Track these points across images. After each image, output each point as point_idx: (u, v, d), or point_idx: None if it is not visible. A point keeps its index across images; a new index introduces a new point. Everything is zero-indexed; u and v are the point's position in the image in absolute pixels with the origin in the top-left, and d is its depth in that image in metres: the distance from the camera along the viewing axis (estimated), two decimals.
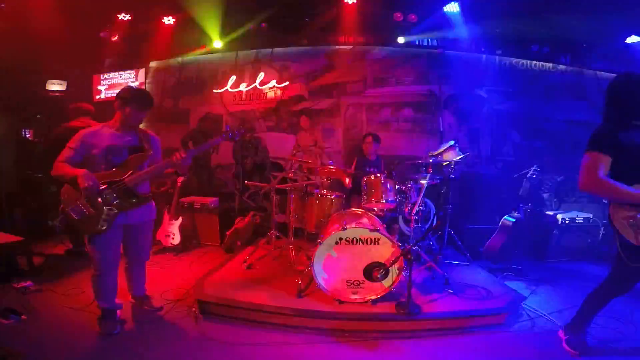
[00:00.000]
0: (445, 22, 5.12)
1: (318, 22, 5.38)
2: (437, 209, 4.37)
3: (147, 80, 6.16)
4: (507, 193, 4.64)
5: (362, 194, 3.47)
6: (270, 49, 5.84)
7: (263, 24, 5.45)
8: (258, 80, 5.87)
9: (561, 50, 5.73)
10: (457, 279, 3.53)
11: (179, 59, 6.07)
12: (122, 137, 2.60)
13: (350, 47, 5.71)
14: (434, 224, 4.17)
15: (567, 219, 4.50)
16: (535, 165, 4.03)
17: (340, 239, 2.93)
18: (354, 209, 3.37)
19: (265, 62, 5.88)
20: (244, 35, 5.60)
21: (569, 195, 5.31)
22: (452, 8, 4.92)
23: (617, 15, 4.80)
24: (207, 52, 5.89)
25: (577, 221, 4.52)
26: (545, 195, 5.40)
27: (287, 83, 5.81)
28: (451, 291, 3.24)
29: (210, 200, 4.96)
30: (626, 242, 2.18)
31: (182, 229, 4.60)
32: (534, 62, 5.88)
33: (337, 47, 5.73)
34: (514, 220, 4.03)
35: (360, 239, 2.91)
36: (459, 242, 4.31)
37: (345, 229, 2.89)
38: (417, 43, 5.61)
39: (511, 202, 4.31)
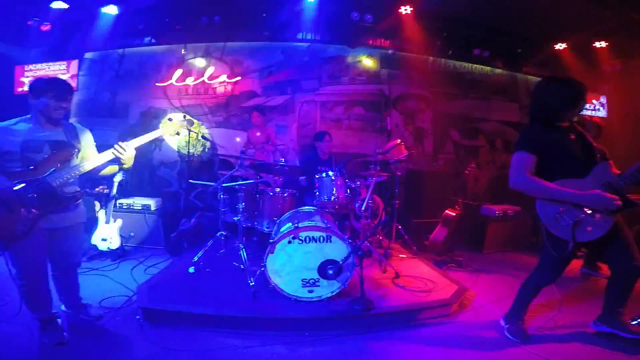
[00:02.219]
0: (399, 23, 5.27)
1: (276, 18, 5.27)
2: (385, 205, 4.50)
3: (80, 73, 5.63)
4: (449, 188, 4.91)
5: (314, 191, 3.46)
6: (223, 43, 5.61)
7: (217, 17, 5.21)
8: (207, 75, 5.62)
9: (499, 55, 6.18)
10: (406, 273, 3.65)
11: (120, 50, 5.61)
12: (41, 131, 2.31)
13: (308, 44, 5.68)
14: (383, 219, 4.29)
15: (500, 211, 4.86)
16: (472, 163, 4.31)
17: (293, 238, 2.89)
18: (306, 207, 3.35)
19: (217, 56, 5.66)
20: (194, 27, 5.32)
21: (501, 189, 5.78)
22: (406, 10, 5.07)
23: (547, 23, 5.28)
24: (152, 44, 5.50)
25: (508, 214, 4.89)
26: (480, 190, 5.82)
27: (239, 78, 5.64)
28: (401, 285, 3.34)
29: (153, 201, 4.64)
30: (550, 233, 2.37)
31: (121, 232, 4.24)
32: (475, 65, 6.29)
33: (294, 43, 5.68)
34: (454, 214, 4.28)
35: (313, 237, 2.90)
36: (406, 237, 4.47)
37: (298, 227, 2.87)
38: (371, 43, 5.72)
39: (452, 196, 4.57)
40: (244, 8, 5.17)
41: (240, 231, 3.53)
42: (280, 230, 3.02)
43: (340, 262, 2.86)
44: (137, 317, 2.76)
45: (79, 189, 2.46)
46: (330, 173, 3.36)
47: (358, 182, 3.67)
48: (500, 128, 6.37)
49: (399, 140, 3.99)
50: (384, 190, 4.52)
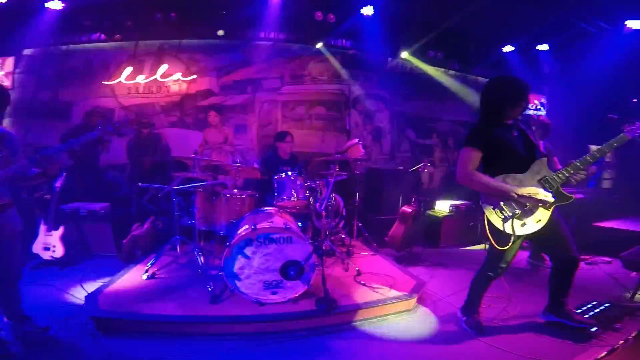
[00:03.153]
0: (360, 24, 5.33)
1: (237, 16, 5.13)
2: (345, 204, 4.54)
3: (17, 70, 5.15)
4: (406, 185, 5.04)
5: (274, 192, 3.41)
6: (179, 41, 5.37)
7: (173, 14, 4.97)
8: (160, 73, 5.35)
9: (453, 56, 6.45)
10: (368, 270, 3.69)
11: (63, 47, 5.19)
12: None
13: (271, 43, 5.59)
14: (342, 218, 4.33)
15: (452, 206, 5.06)
16: (427, 161, 4.47)
17: (252, 240, 2.82)
18: (266, 208, 3.29)
19: (171, 53, 5.42)
20: (148, 24, 5.05)
21: (454, 185, 6.04)
22: (368, 11, 5.12)
23: (496, 27, 5.59)
24: (101, 40, 5.15)
25: (460, 208, 5.11)
26: (435, 187, 6.04)
27: (195, 76, 5.43)
28: (363, 282, 3.37)
29: (100, 206, 4.34)
30: (493, 227, 2.48)
31: (64, 239, 3.92)
32: (429, 67, 6.52)
33: (256, 42, 5.57)
34: (410, 210, 4.41)
35: (272, 238, 2.85)
36: (367, 234, 4.53)
37: (256, 229, 2.80)
38: (333, 43, 5.74)
39: (409, 193, 4.70)
40: (203, 5, 5.00)
41: (196, 235, 3.40)
42: (237, 233, 2.94)
43: (302, 263, 2.84)
44: (89, 326, 2.62)
45: (7, 198, 2.25)
46: (290, 173, 3.32)
47: (317, 182, 3.65)
48: (453, 127, 6.66)
49: (356, 140, 4.04)
50: (344, 189, 4.55)
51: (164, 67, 5.37)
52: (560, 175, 2.41)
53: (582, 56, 5.79)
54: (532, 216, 2.41)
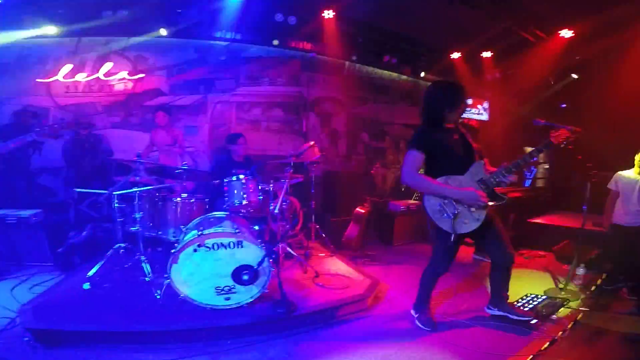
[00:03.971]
0: (321, 27, 5.32)
1: (192, 15, 4.92)
2: (302, 206, 4.52)
3: None
4: (361, 187, 5.13)
5: (225, 196, 3.30)
6: (127, 38, 5.04)
7: (123, 11, 4.66)
8: (103, 71, 5.01)
9: (405, 62, 6.66)
10: (325, 271, 3.72)
11: None
12: None
13: (227, 43, 5.41)
14: (299, 220, 4.31)
15: (404, 206, 5.22)
16: (377, 163, 4.58)
17: (199, 246, 2.72)
18: (217, 213, 3.18)
19: (117, 51, 5.09)
20: (94, 19, 4.70)
21: (406, 187, 6.22)
22: (329, 15, 5.14)
23: (446, 33, 5.86)
24: (39, 36, 4.70)
25: (412, 208, 5.29)
26: (388, 188, 6.21)
27: (142, 75, 5.13)
28: (321, 284, 3.38)
29: (32, 213, 3.94)
30: (435, 226, 2.61)
31: None
32: (384, 71, 6.69)
33: (211, 42, 5.37)
34: (363, 211, 4.49)
35: (221, 243, 2.75)
36: (324, 235, 4.55)
37: (203, 235, 2.71)
38: (293, 45, 5.70)
39: (363, 194, 4.79)
40: (156, 2, 4.74)
41: (141, 242, 3.20)
42: (184, 239, 2.82)
43: (256, 267, 2.77)
44: (26, 338, 2.44)
45: None
46: (241, 176, 3.23)
47: (271, 185, 3.59)
48: (404, 130, 6.90)
49: (312, 142, 4.04)
50: (300, 192, 4.53)
51: (108, 65, 5.04)
52: (495, 177, 2.57)
53: (520, 63, 6.25)
54: (470, 215, 2.55)
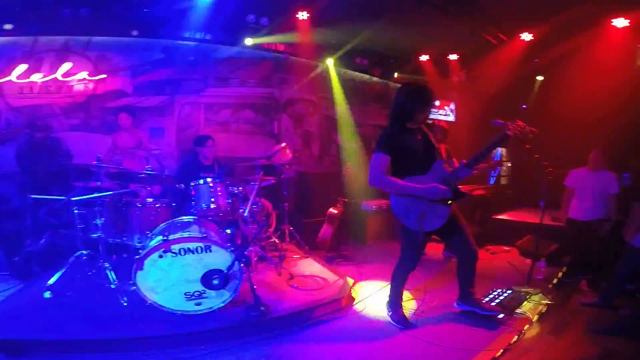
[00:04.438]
0: (294, 28, 5.26)
1: (160, 14, 4.74)
2: (275, 208, 4.48)
3: None
4: (333, 187, 5.15)
5: (192, 200, 3.21)
6: (88, 37, 4.80)
7: (84, 9, 4.42)
8: (62, 71, 4.75)
9: (376, 64, 6.74)
10: (300, 273, 3.72)
11: None
12: None
13: (196, 43, 5.25)
14: (271, 223, 4.27)
15: (376, 206, 5.27)
16: (349, 164, 4.62)
17: (165, 251, 2.65)
18: (184, 218, 3.09)
19: (78, 50, 4.82)
20: (52, 18, 4.44)
21: None
22: (302, 15, 5.08)
23: (414, 36, 5.98)
24: None
25: (383, 207, 5.33)
26: (360, 188, 6.26)
27: (104, 76, 4.90)
28: (295, 285, 3.37)
29: None
30: (402, 225, 2.67)
31: None
32: (357, 73, 6.74)
33: (179, 42, 5.18)
34: (336, 211, 4.51)
35: (188, 249, 2.70)
36: (298, 237, 4.53)
37: (168, 240, 2.64)
38: (265, 46, 5.61)
39: (336, 195, 4.81)
40: (121, 1, 4.53)
41: (104, 248, 3.07)
42: (149, 245, 2.73)
43: (226, 271, 2.73)
44: None
45: None
46: (209, 180, 3.15)
47: (240, 188, 3.53)
48: (375, 132, 6.98)
49: (283, 144, 4.01)
50: (273, 194, 4.49)
51: (67, 66, 4.77)
52: (455, 173, 2.65)
53: (484, 66, 6.49)
54: (435, 214, 2.62)
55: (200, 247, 2.71)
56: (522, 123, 2.59)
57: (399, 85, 7.04)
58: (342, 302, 3.18)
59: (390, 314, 2.95)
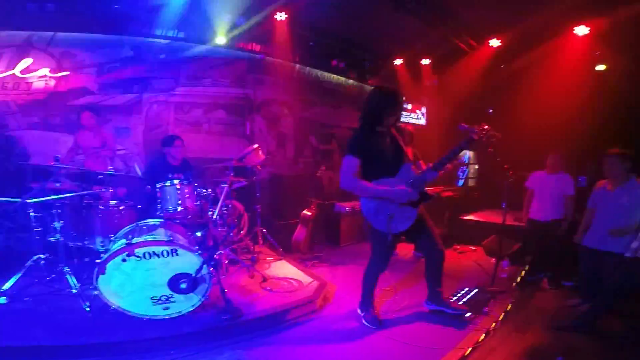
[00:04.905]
0: (271, 29, 5.22)
1: (130, 11, 4.58)
2: (247, 210, 4.42)
3: None
4: (309, 189, 5.14)
5: (158, 202, 3.12)
6: (53, 33, 4.56)
7: (50, 4, 4.19)
8: (20, 67, 4.49)
9: (352, 67, 6.78)
10: (273, 275, 3.69)
11: None
12: None
13: (168, 42, 5.09)
14: (243, 225, 4.21)
15: (349, 208, 5.32)
16: (322, 166, 4.62)
17: (128, 255, 2.56)
18: (150, 220, 3.00)
19: (40, 46, 4.58)
20: (14, 12, 4.22)
21: None
22: (281, 17, 5.05)
23: (390, 40, 6.07)
24: None
25: (356, 209, 5.36)
26: (334, 190, 6.29)
27: (67, 73, 4.67)
28: (269, 288, 3.35)
29: None
30: (372, 226, 2.71)
31: None
32: (333, 75, 6.76)
33: (149, 39, 5.01)
34: (310, 213, 4.51)
35: (154, 252, 2.62)
36: (271, 239, 4.49)
37: (132, 244, 2.56)
38: (241, 46, 5.52)
39: (312, 197, 4.80)
40: None
41: (63, 252, 2.92)
42: (111, 249, 2.64)
43: (194, 275, 2.67)
44: None
45: None
46: (176, 181, 3.06)
47: (209, 190, 3.46)
48: (349, 133, 7.01)
49: (255, 145, 3.96)
50: (245, 196, 4.42)
51: (26, 62, 4.52)
52: (422, 176, 2.70)
53: (455, 70, 6.69)
54: (403, 215, 2.68)
55: (166, 250, 2.64)
56: (488, 127, 2.67)
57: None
58: (317, 304, 3.18)
59: (363, 314, 2.97)
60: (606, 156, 3.20)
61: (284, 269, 3.93)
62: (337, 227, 5.22)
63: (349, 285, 3.67)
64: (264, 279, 3.50)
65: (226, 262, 3.63)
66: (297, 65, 6.32)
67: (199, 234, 3.25)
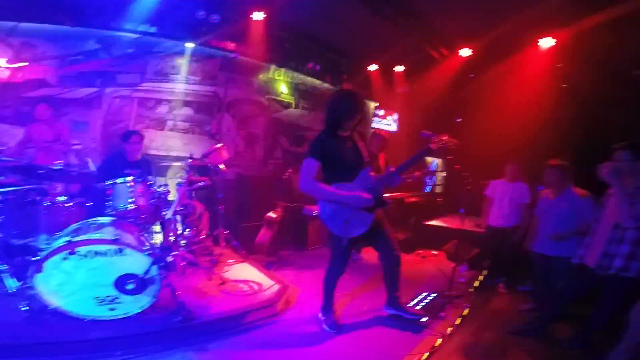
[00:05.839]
0: (247, 28, 5.14)
1: (98, 3, 4.40)
2: (208, 211, 4.32)
3: None
4: (277, 191, 5.09)
5: (108, 199, 3.00)
6: (15, 23, 4.36)
7: None
8: None
9: (328, 70, 6.76)
10: (234, 278, 3.61)
11: None
12: None
13: (138, 36, 4.91)
14: (203, 226, 4.10)
15: (317, 211, 5.27)
16: (290, 168, 4.59)
17: (70, 253, 2.45)
18: (100, 218, 2.89)
19: None
20: None
21: None
22: (258, 16, 4.97)
23: (366, 46, 6.10)
24: None
25: (314, 213, 5.24)
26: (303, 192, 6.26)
27: (25, 64, 4.45)
28: (227, 290, 3.28)
29: None
30: (330, 231, 2.73)
31: None
32: (308, 78, 6.74)
33: (118, 33, 4.83)
34: (275, 215, 4.46)
35: (98, 251, 2.52)
36: (234, 241, 4.41)
37: (73, 242, 2.47)
38: (214, 44, 5.41)
39: (279, 199, 4.75)
40: None
41: (3, 250, 2.77)
42: (51, 246, 2.52)
43: (142, 275, 2.58)
44: None
45: None
46: (129, 178, 2.96)
47: (165, 188, 3.35)
48: None
49: (219, 144, 3.88)
50: (207, 196, 4.32)
51: None
52: (381, 182, 2.73)
53: (427, 78, 6.81)
54: (359, 220, 2.68)
55: (112, 250, 2.54)
56: (446, 137, 2.70)
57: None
58: (278, 307, 3.14)
59: (324, 318, 2.96)
60: (546, 167, 3.40)
61: (245, 271, 3.86)
62: (304, 230, 5.19)
63: (314, 289, 3.63)
64: (223, 282, 3.43)
65: (183, 263, 3.53)
66: (272, 66, 6.26)
67: (156, 231, 3.15)
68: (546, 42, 5.25)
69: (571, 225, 3.21)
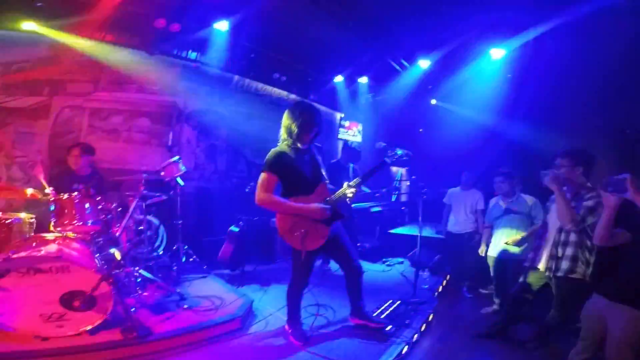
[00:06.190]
0: (211, 38, 5.03)
1: (52, 8, 4.13)
2: (166, 225, 4.13)
3: None
4: (240, 205, 4.96)
5: (52, 216, 2.79)
6: None
7: None
8: None
9: (294, 81, 6.75)
10: (194, 293, 3.50)
11: None
12: None
13: (93, 42, 4.65)
14: (161, 241, 3.92)
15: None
16: (253, 182, 4.51)
17: (8, 270, 2.30)
18: (44, 235, 2.71)
19: None
20: None
21: None
22: (222, 26, 4.88)
23: (332, 57, 6.16)
24: None
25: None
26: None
27: None
28: (186, 306, 3.18)
29: None
30: (289, 245, 2.69)
31: None
32: (274, 89, 6.67)
33: (73, 40, 4.54)
34: (238, 229, 4.36)
35: (39, 268, 2.38)
36: (195, 256, 4.27)
37: (11, 259, 2.32)
38: (175, 52, 5.23)
39: (243, 213, 4.64)
40: None
41: None
42: None
43: (90, 292, 2.44)
44: None
45: None
46: (74, 193, 2.77)
47: (116, 204, 3.19)
48: None
49: (175, 157, 3.74)
50: (165, 210, 4.12)
51: None
52: (337, 195, 2.71)
53: (388, 89, 7.00)
54: (317, 233, 2.66)
55: (55, 267, 2.40)
56: (402, 152, 2.74)
57: (317, 104, 7.28)
58: (240, 322, 3.05)
59: (290, 330, 2.91)
60: (497, 175, 3.57)
61: (207, 286, 3.74)
62: (271, 243, 5.09)
63: (280, 302, 3.51)
64: (182, 297, 3.29)
65: (138, 279, 3.34)
66: (236, 76, 6.18)
67: (112, 250, 2.96)
68: (497, 53, 5.33)
69: (523, 228, 3.38)
